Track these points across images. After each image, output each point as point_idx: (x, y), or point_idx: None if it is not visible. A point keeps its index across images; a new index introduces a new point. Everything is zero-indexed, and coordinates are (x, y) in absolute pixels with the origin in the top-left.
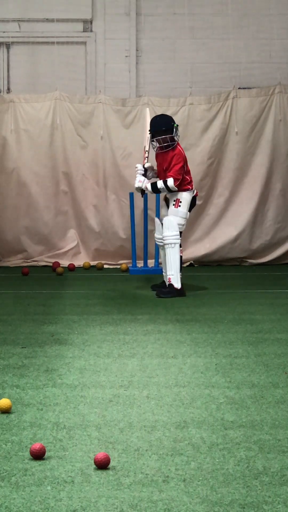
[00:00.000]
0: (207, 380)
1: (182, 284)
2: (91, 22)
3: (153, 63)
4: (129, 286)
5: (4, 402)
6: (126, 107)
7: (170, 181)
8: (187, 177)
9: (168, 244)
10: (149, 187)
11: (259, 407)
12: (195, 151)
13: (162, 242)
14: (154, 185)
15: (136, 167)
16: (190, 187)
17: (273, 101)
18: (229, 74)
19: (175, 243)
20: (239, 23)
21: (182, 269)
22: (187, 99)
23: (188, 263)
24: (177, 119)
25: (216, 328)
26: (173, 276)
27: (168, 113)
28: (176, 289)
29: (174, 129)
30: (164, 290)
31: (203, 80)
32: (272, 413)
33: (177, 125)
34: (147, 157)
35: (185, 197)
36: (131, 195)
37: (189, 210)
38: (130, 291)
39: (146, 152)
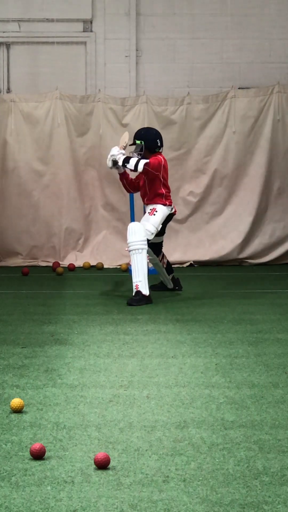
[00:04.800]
0: (207, 380)
1: (175, 282)
2: (91, 22)
3: (153, 63)
4: (129, 286)
5: (17, 402)
6: (125, 106)
7: (142, 162)
8: (165, 191)
9: (134, 250)
10: (122, 158)
11: (259, 407)
12: (193, 149)
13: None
14: (127, 158)
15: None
16: (168, 203)
17: (272, 101)
18: (228, 74)
19: (142, 249)
20: (239, 23)
21: (173, 270)
22: (185, 98)
23: (188, 263)
24: (175, 119)
25: (216, 328)
26: (141, 283)
27: (167, 112)
28: (144, 295)
29: (142, 146)
30: (134, 298)
31: (203, 80)
32: (272, 413)
33: (155, 139)
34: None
35: (162, 209)
36: (131, 195)
37: (164, 225)
38: (130, 291)
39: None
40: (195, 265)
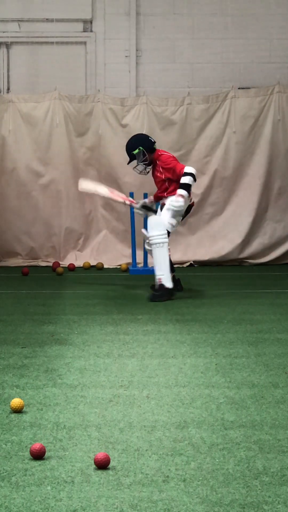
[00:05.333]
0: (207, 380)
1: (176, 282)
2: (91, 22)
3: (153, 63)
4: (129, 286)
5: (17, 402)
6: (125, 106)
7: (188, 169)
8: None
9: (155, 244)
10: (180, 200)
11: (259, 407)
12: (193, 150)
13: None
14: (182, 184)
15: (139, 213)
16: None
17: (272, 101)
18: (228, 74)
19: (163, 243)
20: (239, 23)
21: (174, 269)
22: (185, 98)
23: (188, 263)
24: (175, 119)
25: (216, 328)
26: (164, 276)
27: (167, 113)
28: (167, 288)
29: (140, 150)
30: (156, 293)
31: (203, 80)
32: (272, 413)
33: (145, 138)
34: (129, 202)
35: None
36: (131, 194)
37: (183, 217)
38: (130, 291)
39: (124, 203)
40: (195, 265)
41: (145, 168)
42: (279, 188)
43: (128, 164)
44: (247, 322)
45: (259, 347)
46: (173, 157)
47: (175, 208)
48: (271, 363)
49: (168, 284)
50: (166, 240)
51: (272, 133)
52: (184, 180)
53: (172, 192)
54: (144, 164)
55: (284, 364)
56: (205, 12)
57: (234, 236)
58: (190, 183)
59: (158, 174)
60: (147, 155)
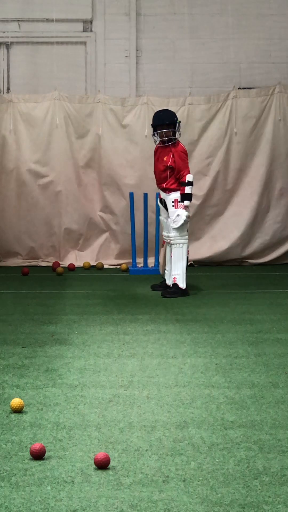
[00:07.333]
0: (207, 380)
1: (186, 284)
2: (91, 22)
3: (153, 63)
4: (129, 286)
5: (17, 402)
6: (125, 107)
7: (190, 177)
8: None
9: (176, 244)
10: (182, 213)
11: (259, 407)
12: (194, 151)
13: (169, 239)
14: (183, 195)
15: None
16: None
17: (273, 101)
18: (229, 74)
19: (183, 244)
20: (239, 23)
21: (187, 268)
22: (186, 99)
23: (188, 263)
24: None
25: (216, 328)
26: (179, 276)
27: None
28: (181, 289)
29: (177, 125)
30: (169, 290)
31: (203, 80)
32: (272, 413)
33: (179, 121)
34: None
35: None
36: (131, 194)
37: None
38: (130, 291)
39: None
40: (195, 265)
41: (160, 142)
42: (280, 188)
43: (156, 128)
44: (247, 322)
45: (259, 347)
46: (186, 153)
47: (187, 219)
48: (271, 363)
49: (182, 284)
50: (187, 241)
51: (273, 133)
52: (187, 190)
53: (172, 185)
54: (163, 138)
55: (284, 364)
56: (205, 12)
57: (234, 236)
58: (191, 191)
59: (165, 159)
60: (175, 133)
